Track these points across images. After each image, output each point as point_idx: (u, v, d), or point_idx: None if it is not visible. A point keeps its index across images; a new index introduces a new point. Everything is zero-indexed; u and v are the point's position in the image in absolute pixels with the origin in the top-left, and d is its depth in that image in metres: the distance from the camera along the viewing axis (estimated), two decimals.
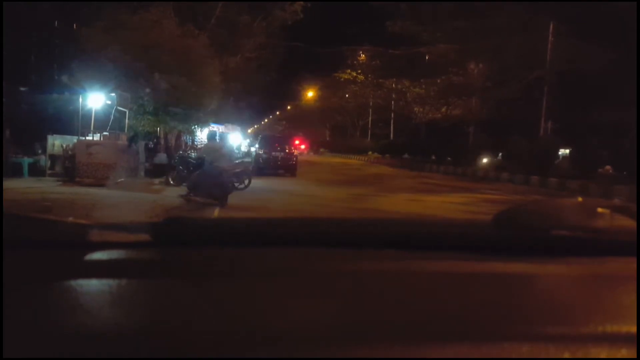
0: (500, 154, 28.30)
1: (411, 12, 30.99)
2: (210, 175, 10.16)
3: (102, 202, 9.57)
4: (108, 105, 14.61)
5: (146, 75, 16.23)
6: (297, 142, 21.81)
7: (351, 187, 16.07)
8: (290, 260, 0.93)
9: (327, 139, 70.17)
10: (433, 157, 33.65)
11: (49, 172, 13.76)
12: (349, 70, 48.43)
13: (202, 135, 21.78)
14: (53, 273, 0.82)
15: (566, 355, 0.60)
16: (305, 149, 21.64)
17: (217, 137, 11.74)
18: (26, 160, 12.80)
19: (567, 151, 24.89)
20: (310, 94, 60.87)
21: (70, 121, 14.80)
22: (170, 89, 16.58)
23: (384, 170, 28.56)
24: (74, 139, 13.83)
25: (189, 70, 17.33)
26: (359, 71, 47.67)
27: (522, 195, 14.23)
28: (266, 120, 79.44)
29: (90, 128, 14.13)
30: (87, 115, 14.20)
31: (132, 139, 14.79)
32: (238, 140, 28.07)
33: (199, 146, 20.30)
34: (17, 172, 12.48)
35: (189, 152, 16.55)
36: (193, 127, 19.73)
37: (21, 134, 14.75)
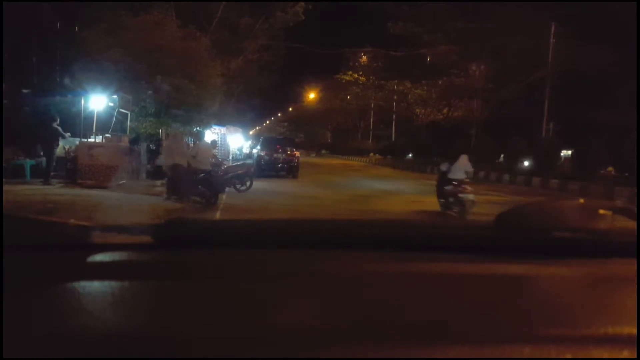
0: (502, 155, 28.28)
1: (412, 12, 31.04)
2: (189, 177, 10.24)
3: (104, 203, 9.58)
4: (110, 107, 14.63)
5: (148, 77, 16.26)
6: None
7: (352, 188, 16.08)
8: (291, 262, 0.93)
9: (329, 140, 70.20)
10: (435, 159, 33.65)
11: (51, 174, 13.76)
12: (350, 72, 48.48)
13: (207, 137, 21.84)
14: (54, 274, 0.82)
15: (568, 356, 0.60)
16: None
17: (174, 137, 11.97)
18: (28, 162, 12.86)
19: (570, 152, 24.89)
20: (312, 95, 60.96)
21: (72, 123, 14.81)
22: (172, 90, 16.61)
23: (386, 172, 28.54)
24: (76, 140, 13.85)
25: (191, 72, 17.37)
26: (361, 73, 47.72)
27: (523, 197, 14.21)
28: (268, 122, 79.52)
29: (92, 130, 14.15)
30: (89, 118, 14.21)
31: (134, 141, 14.79)
32: (240, 141, 28.08)
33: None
34: (19, 174, 12.48)
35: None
36: (195, 129, 19.77)
37: (23, 136, 14.76)
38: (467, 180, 9.65)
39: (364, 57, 47.20)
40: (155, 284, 0.81)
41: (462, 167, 9.73)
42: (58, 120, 12.77)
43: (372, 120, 55.24)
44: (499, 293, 0.81)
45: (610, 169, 20.22)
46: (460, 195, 9.31)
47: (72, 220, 1.04)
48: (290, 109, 71.85)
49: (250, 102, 37.19)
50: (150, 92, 16.43)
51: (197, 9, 23.54)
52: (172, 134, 13.97)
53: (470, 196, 9.27)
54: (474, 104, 33.19)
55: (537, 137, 24.36)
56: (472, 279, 0.86)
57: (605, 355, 0.60)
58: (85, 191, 11.27)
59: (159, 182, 13.36)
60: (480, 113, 32.01)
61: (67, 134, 13.05)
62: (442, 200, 9.89)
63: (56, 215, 6.90)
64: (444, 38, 30.68)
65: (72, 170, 12.81)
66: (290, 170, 20.39)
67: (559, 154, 24.66)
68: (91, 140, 13.93)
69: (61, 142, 14.25)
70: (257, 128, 70.74)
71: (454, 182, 9.53)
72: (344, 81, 50.04)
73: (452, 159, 10.08)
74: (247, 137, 38.02)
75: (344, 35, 61.31)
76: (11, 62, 15.94)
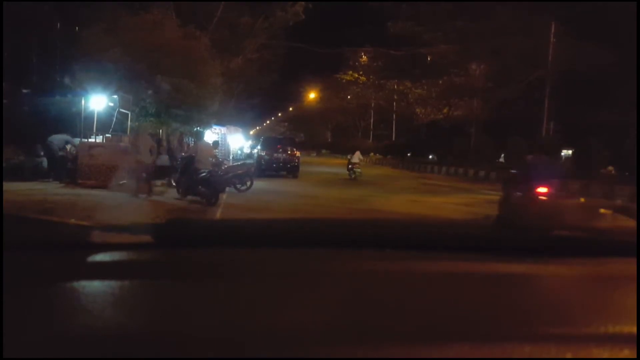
0: (502, 155, 28.28)
1: (411, 12, 31.01)
2: (191, 176, 10.33)
3: (104, 203, 9.57)
4: (110, 107, 14.63)
5: (148, 77, 16.25)
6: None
7: (353, 188, 16.07)
8: (291, 261, 0.93)
9: (329, 140, 70.14)
10: (435, 158, 33.64)
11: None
12: (350, 72, 48.46)
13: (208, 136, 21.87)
14: (55, 274, 0.82)
15: (568, 356, 0.59)
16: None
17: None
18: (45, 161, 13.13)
19: (570, 152, 24.89)
20: (312, 95, 60.85)
21: (72, 123, 14.82)
22: (172, 90, 16.59)
23: (386, 171, 28.53)
24: (77, 140, 13.85)
25: (191, 72, 17.35)
26: (361, 72, 47.70)
27: None
28: (268, 121, 79.44)
29: (92, 130, 14.15)
30: (89, 117, 14.22)
31: None
32: (240, 141, 28.07)
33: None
34: (19, 174, 12.50)
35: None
36: (195, 129, 19.77)
37: (23, 135, 14.78)
38: (358, 162, 20.90)
39: (364, 57, 47.14)
40: (156, 283, 0.81)
41: (357, 156, 20.97)
42: (73, 140, 13.17)
43: (372, 119, 55.21)
44: (499, 292, 0.81)
45: (610, 168, 20.23)
46: (354, 169, 20.18)
47: (73, 220, 1.04)
48: (291, 108, 71.74)
49: (250, 101, 37.17)
50: (150, 91, 16.42)
51: (197, 8, 23.51)
52: (135, 129, 13.95)
53: (358, 170, 20.28)
54: (474, 103, 33.14)
55: (537, 137, 24.31)
56: (473, 278, 0.86)
57: (606, 354, 0.60)
58: (85, 191, 11.27)
59: (159, 182, 13.36)
60: (481, 112, 31.96)
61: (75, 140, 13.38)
62: (347, 171, 20.36)
63: (57, 215, 6.91)
64: (444, 37, 30.64)
65: (73, 170, 12.82)
66: (291, 170, 20.36)
67: (559, 153, 24.64)
68: (91, 140, 13.93)
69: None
70: (258, 128, 70.65)
71: (353, 162, 20.50)
72: (344, 81, 50.03)
73: (352, 151, 21.83)
74: (248, 137, 38.03)
75: (344, 35, 61.16)
76: (11, 62, 15.93)
